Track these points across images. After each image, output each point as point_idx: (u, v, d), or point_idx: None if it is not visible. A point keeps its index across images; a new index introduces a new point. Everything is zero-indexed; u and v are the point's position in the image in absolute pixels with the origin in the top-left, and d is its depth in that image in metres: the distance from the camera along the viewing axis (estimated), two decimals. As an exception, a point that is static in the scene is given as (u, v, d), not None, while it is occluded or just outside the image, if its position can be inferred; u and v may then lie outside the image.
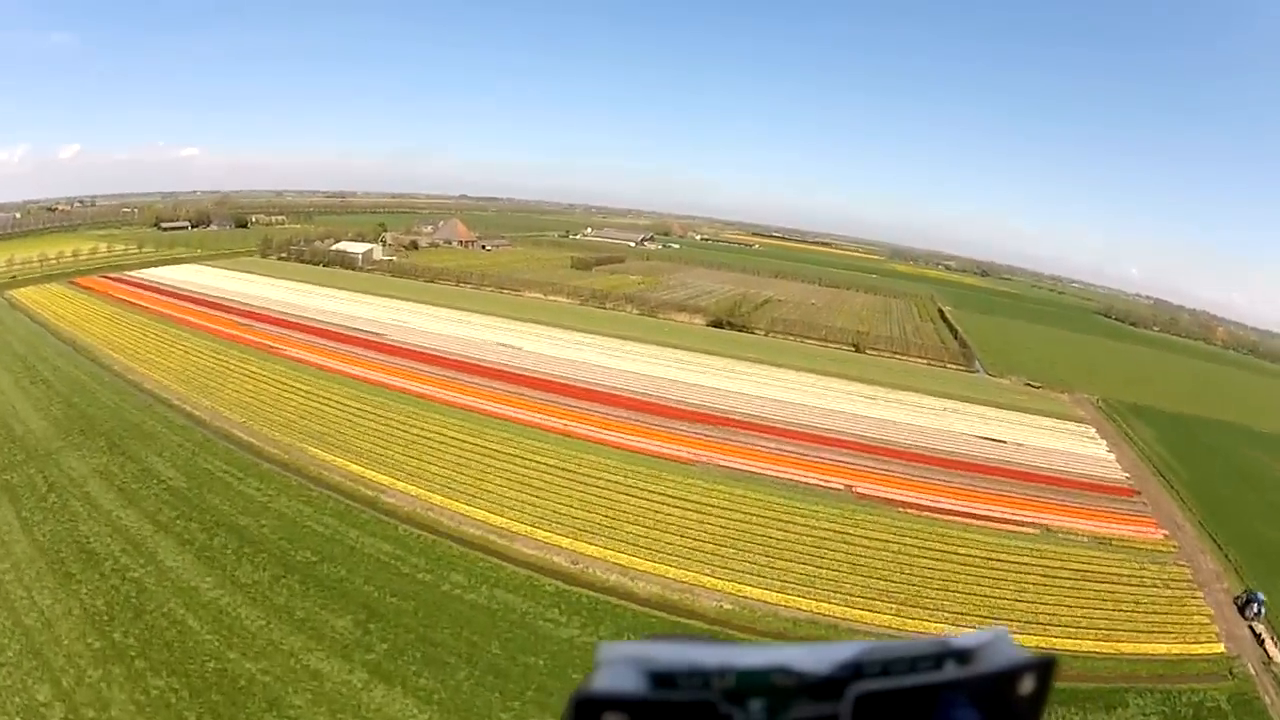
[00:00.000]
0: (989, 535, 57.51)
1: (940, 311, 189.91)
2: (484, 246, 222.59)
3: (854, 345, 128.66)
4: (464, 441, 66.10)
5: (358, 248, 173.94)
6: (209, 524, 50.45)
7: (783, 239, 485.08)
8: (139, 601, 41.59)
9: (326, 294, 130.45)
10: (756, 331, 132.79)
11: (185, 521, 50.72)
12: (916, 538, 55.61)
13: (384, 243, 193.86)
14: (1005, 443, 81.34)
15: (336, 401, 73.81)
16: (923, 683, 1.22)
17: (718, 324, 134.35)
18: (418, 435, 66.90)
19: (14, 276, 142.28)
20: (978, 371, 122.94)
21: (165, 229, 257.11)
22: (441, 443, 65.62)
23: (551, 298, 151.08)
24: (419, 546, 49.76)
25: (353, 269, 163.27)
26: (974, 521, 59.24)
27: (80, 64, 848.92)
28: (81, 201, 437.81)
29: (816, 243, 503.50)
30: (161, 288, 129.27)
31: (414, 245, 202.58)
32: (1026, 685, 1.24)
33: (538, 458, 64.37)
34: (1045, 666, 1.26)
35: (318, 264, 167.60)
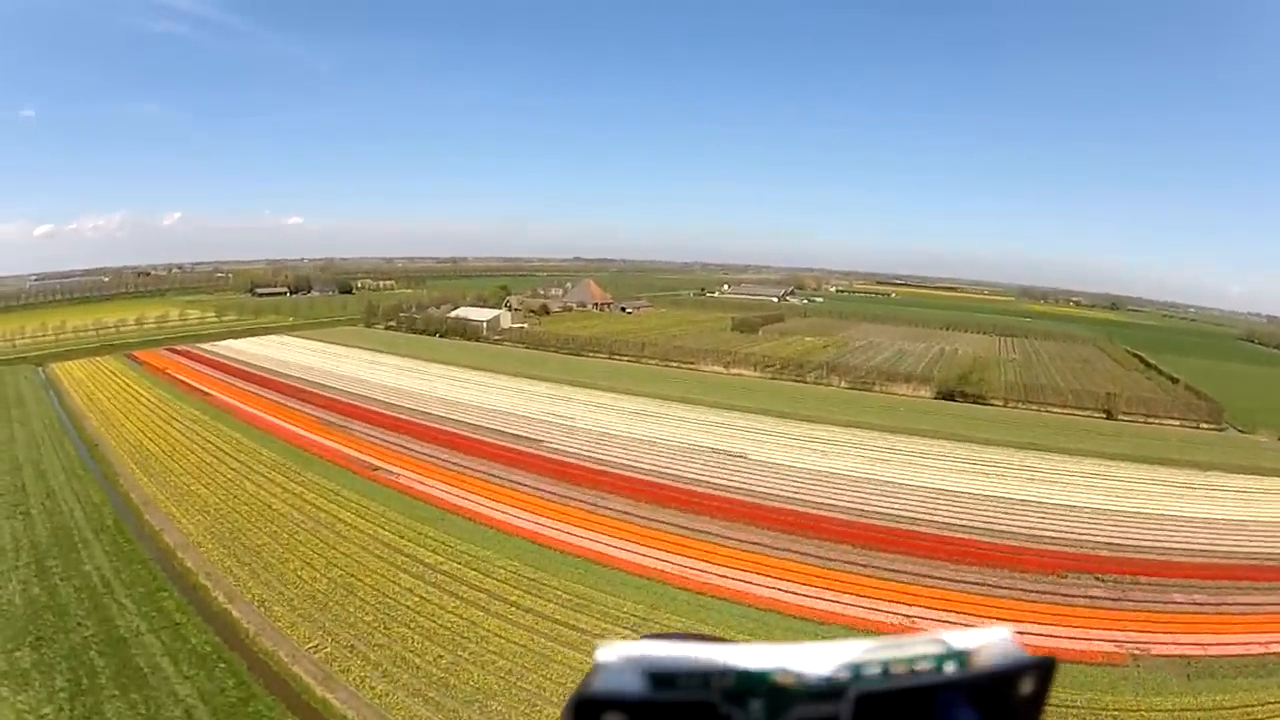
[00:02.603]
0: None
1: (1139, 357, 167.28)
2: (624, 309, 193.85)
3: (1105, 411, 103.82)
4: None
5: (481, 314, 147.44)
6: None
7: (907, 285, 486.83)
8: None
9: (447, 374, 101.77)
10: (993, 402, 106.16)
11: None
12: None
13: (509, 307, 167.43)
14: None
15: (494, 592, 41.24)
16: (923, 683, 1.24)
17: (947, 395, 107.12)
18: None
19: (67, 347, 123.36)
20: (1226, 430, 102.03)
21: (260, 294, 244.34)
22: None
23: (735, 371, 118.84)
24: None
25: (476, 340, 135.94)
26: None
27: (172, 134, 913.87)
28: (180, 267, 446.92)
29: (940, 287, 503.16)
30: (235, 366, 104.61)
31: (544, 310, 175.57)
32: (1026, 686, 1.26)
33: None
34: (1045, 667, 1.27)
35: (433, 334, 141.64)
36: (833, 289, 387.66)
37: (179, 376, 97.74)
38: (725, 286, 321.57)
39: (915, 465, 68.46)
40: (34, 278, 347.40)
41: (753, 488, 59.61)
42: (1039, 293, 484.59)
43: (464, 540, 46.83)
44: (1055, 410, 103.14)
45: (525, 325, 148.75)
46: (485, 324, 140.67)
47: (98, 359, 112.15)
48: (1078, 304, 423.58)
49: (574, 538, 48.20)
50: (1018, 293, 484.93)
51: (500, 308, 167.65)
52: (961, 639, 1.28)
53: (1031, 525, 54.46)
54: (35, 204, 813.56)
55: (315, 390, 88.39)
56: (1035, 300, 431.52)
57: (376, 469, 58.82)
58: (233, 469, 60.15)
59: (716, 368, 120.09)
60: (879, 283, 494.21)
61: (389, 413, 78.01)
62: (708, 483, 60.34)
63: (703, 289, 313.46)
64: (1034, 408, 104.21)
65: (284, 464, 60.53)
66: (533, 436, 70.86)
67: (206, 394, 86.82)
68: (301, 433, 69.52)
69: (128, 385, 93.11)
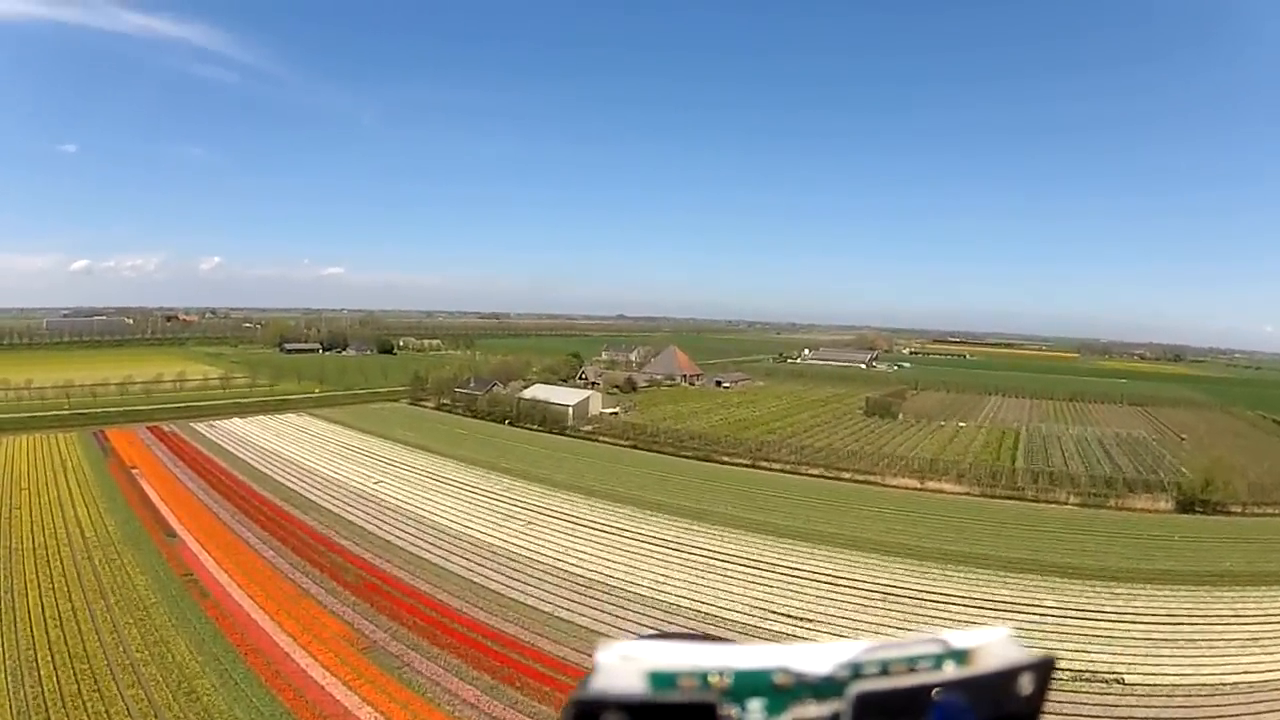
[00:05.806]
0: None
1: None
2: (719, 383, 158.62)
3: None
4: None
5: (562, 395, 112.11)
6: None
7: (967, 344, 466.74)
8: None
9: (548, 503, 66.25)
10: (1232, 509, 79.76)
11: None
12: None
13: (589, 382, 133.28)
14: None
15: None
16: (923, 683, 1.23)
17: (1187, 505, 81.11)
18: None
19: (30, 411, 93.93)
20: None
21: (288, 351, 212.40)
22: None
23: (931, 485, 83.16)
24: None
25: (561, 432, 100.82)
26: None
27: (216, 178, 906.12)
28: (214, 312, 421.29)
29: (996, 343, 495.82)
30: (228, 474, 70.54)
31: (631, 385, 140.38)
32: (1026, 685, 1.25)
33: None
34: (1044, 667, 1.27)
35: (500, 420, 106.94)
36: (906, 351, 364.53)
37: (145, 487, 63.91)
38: (806, 351, 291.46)
39: None
40: (65, 312, 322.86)
41: None
42: (1099, 347, 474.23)
43: None
44: (1289, 516, 78.80)
45: (618, 410, 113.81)
46: (571, 409, 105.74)
47: (63, 433, 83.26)
48: (1143, 358, 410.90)
49: None
50: (1077, 347, 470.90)
51: (577, 381, 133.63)
52: (961, 639, 1.28)
53: None
54: (72, 238, 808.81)
55: (339, 543, 53.49)
56: (1099, 355, 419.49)
57: None
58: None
59: (908, 481, 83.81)
60: (935, 340, 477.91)
61: (494, 623, 42.20)
62: None
63: (781, 354, 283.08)
64: (1271, 512, 79.59)
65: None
66: None
67: (172, 534, 52.65)
68: (315, 677, 34.31)
69: (69, 497, 60.37)
